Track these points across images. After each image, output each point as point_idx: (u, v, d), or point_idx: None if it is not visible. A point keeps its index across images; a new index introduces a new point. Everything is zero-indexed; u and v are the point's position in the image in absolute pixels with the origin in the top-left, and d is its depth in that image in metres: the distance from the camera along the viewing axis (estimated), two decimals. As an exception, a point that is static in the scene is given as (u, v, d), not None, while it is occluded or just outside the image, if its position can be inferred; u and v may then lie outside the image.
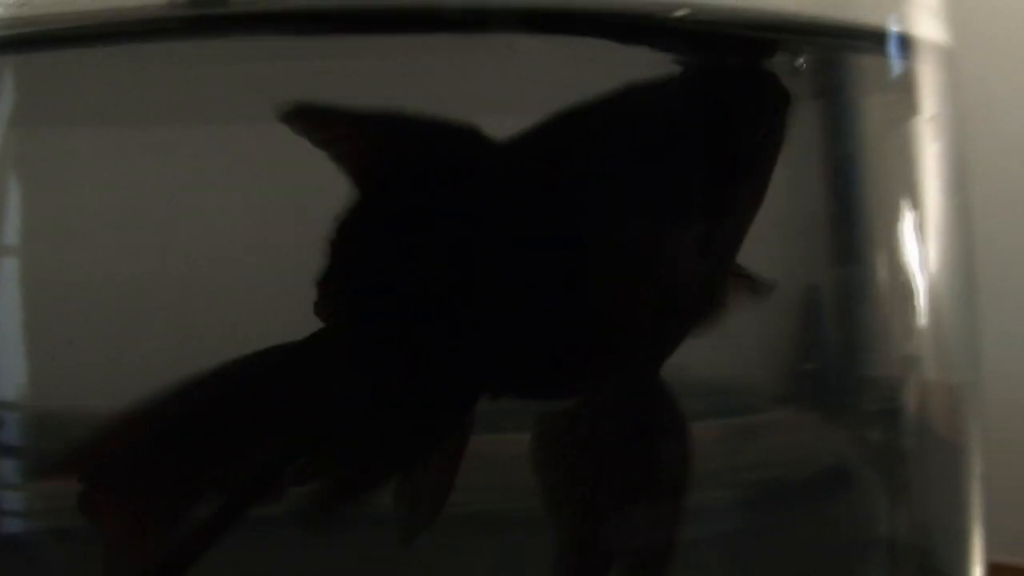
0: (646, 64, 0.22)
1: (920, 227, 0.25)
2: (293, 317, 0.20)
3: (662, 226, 0.21)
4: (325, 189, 0.20)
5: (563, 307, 0.21)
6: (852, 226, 0.24)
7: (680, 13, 0.21)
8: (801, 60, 0.23)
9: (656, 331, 0.21)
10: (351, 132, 0.20)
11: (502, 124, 0.20)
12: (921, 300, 0.24)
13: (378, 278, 0.20)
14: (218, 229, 0.21)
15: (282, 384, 0.20)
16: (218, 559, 0.20)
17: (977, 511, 0.27)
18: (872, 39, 0.24)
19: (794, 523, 0.23)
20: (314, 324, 0.20)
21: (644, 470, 0.21)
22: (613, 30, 0.22)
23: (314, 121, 0.20)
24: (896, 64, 0.25)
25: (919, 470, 0.25)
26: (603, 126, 0.21)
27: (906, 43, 0.25)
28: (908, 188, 0.25)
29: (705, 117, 0.21)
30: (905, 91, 0.25)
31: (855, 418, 0.23)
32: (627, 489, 0.21)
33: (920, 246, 0.25)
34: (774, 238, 0.22)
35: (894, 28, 0.24)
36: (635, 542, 0.21)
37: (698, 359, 0.21)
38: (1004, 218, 0.79)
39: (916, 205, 0.25)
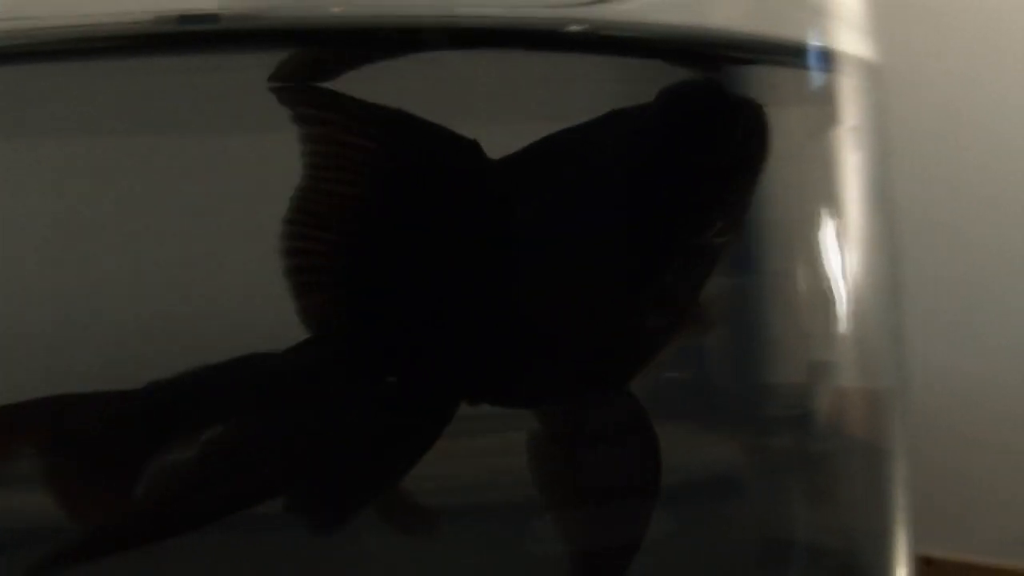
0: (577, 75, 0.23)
1: (839, 235, 0.25)
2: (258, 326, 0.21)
3: (641, 250, 0.22)
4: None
5: (539, 320, 0.21)
6: (760, 234, 0.24)
7: (578, 28, 0.22)
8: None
9: (628, 347, 0.22)
10: (354, 126, 0.20)
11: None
12: (835, 308, 0.25)
13: (365, 277, 0.21)
14: (204, 240, 0.21)
15: (258, 376, 0.21)
16: (212, 555, 0.21)
17: (902, 513, 0.27)
18: (791, 52, 0.25)
19: (688, 530, 0.23)
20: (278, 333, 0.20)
21: (620, 479, 0.22)
22: (539, 44, 0.23)
23: (320, 108, 0.20)
24: (816, 77, 0.25)
25: (834, 474, 0.25)
26: (588, 150, 0.22)
27: (826, 57, 0.25)
28: (826, 196, 0.25)
29: (683, 139, 0.22)
30: (825, 102, 0.25)
31: (753, 425, 0.24)
32: (608, 497, 0.22)
33: (836, 254, 0.25)
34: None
35: (814, 42, 0.25)
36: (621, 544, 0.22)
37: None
38: (1005, 223, 0.79)
39: (834, 213, 0.25)
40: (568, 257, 0.22)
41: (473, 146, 0.20)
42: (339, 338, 0.21)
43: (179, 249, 0.21)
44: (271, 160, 0.21)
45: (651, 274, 0.22)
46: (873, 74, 0.27)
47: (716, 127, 0.22)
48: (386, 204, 0.21)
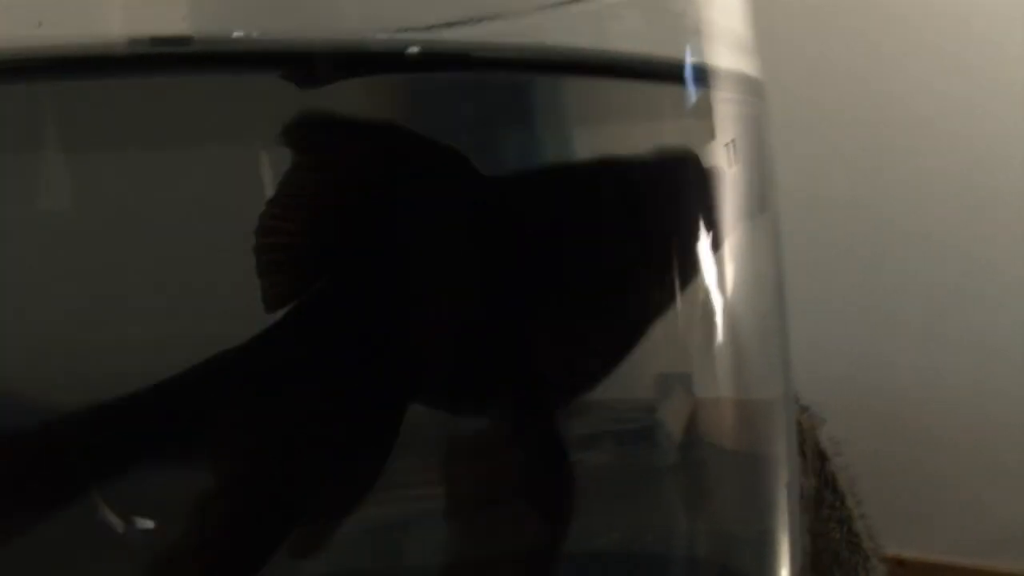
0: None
1: (713, 247, 0.26)
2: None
3: (600, 283, 0.23)
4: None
5: (484, 332, 0.22)
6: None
7: (414, 50, 0.22)
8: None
9: (568, 374, 0.23)
10: (348, 141, 0.21)
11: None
12: (707, 321, 0.26)
13: (330, 261, 0.21)
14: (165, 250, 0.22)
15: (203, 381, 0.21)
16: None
17: (782, 518, 0.28)
18: (670, 70, 0.26)
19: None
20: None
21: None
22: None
23: (317, 131, 0.21)
24: (691, 92, 0.26)
25: (702, 483, 0.26)
26: (575, 186, 0.23)
27: (701, 73, 0.26)
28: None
29: (669, 196, 0.24)
30: (700, 117, 0.26)
31: (610, 437, 0.25)
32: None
33: (709, 267, 0.26)
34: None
35: (688, 59, 0.26)
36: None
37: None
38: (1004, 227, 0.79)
39: (706, 225, 0.26)
40: (533, 282, 0.23)
41: (462, 159, 0.21)
42: (297, 318, 0.21)
43: (149, 261, 0.22)
44: (238, 174, 0.21)
45: (607, 310, 0.23)
46: (754, 89, 0.27)
47: (693, 192, 0.24)
48: (367, 201, 0.21)
